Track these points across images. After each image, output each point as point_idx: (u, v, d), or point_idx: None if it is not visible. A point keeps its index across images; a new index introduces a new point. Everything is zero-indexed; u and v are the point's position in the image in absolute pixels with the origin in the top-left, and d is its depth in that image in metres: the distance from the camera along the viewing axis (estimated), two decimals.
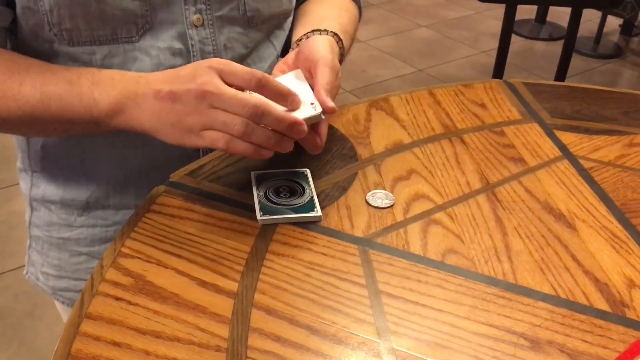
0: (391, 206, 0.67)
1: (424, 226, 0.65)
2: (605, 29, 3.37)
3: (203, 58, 0.73)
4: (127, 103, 0.63)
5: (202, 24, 0.72)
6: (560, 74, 1.47)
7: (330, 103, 0.64)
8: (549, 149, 0.78)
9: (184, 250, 0.60)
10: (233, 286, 0.57)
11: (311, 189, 0.67)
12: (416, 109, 0.86)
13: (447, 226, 0.65)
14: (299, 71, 0.70)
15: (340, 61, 0.75)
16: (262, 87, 0.60)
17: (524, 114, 0.86)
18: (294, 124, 0.60)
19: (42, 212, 0.82)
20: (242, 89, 0.61)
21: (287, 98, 0.62)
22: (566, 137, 0.81)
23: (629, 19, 3.48)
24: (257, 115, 0.58)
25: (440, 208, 0.67)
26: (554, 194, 0.70)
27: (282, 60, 0.74)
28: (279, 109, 0.61)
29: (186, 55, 0.73)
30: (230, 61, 0.61)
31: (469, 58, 3.18)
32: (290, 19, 0.85)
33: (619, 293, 0.57)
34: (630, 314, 0.55)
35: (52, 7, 0.66)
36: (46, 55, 0.70)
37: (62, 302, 0.87)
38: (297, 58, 0.71)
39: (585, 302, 0.56)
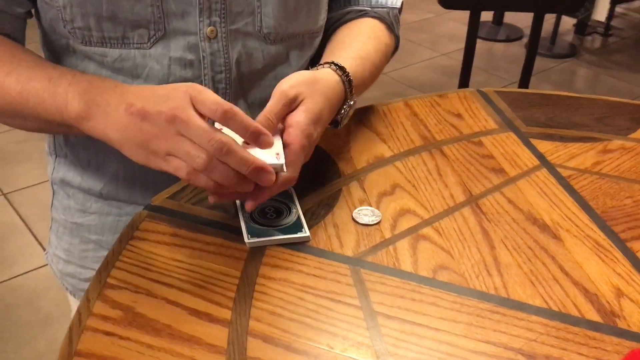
0: (378, 223, 0.67)
1: (413, 242, 0.65)
2: (559, 29, 3.45)
3: (214, 71, 0.73)
4: (96, 111, 0.62)
5: (216, 37, 0.71)
6: (525, 77, 1.50)
7: (264, 131, 0.59)
8: (527, 158, 0.79)
9: (173, 278, 0.59)
10: (226, 314, 0.55)
11: (297, 209, 0.67)
12: (394, 121, 0.86)
13: (435, 241, 0.65)
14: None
15: (349, 92, 0.72)
16: (228, 120, 0.57)
17: (500, 123, 0.87)
18: (260, 169, 0.57)
19: (62, 196, 0.84)
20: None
21: (254, 136, 0.58)
22: (543, 146, 0.82)
23: (582, 19, 3.58)
24: (222, 153, 0.55)
25: (427, 223, 0.67)
26: (537, 204, 0.71)
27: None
28: (245, 150, 0.57)
29: (197, 67, 0.72)
30: (206, 89, 0.58)
31: (430, 61, 3.21)
32: (319, 39, 0.83)
33: (608, 303, 0.58)
34: (622, 324, 0.56)
35: (65, 4, 0.67)
36: (65, 50, 0.72)
37: (66, 289, 0.89)
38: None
39: (577, 314, 0.57)
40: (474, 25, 1.43)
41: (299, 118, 0.64)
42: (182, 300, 0.57)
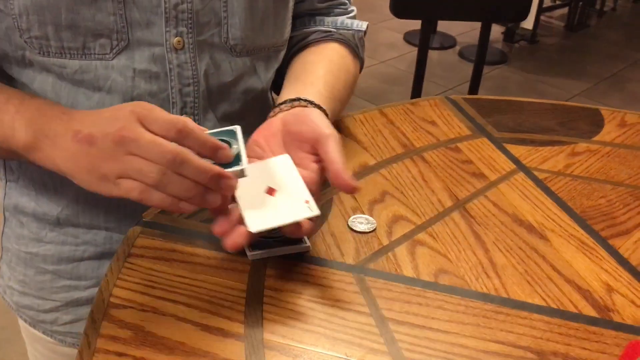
0: (374, 230, 0.68)
1: (410, 248, 0.66)
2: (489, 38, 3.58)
3: (181, 83, 0.71)
4: (44, 141, 0.59)
5: (183, 48, 0.69)
6: (475, 84, 1.55)
7: (356, 183, 0.59)
8: (504, 163, 0.82)
9: (178, 294, 0.58)
10: (239, 328, 0.55)
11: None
12: (372, 129, 0.87)
13: (431, 246, 0.66)
14: (287, 157, 0.62)
15: None
16: (184, 139, 0.53)
17: (473, 129, 0.89)
18: (219, 176, 0.53)
19: (14, 224, 0.80)
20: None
21: (213, 151, 0.55)
22: (516, 150, 0.85)
23: (511, 27, 3.73)
24: (176, 164, 0.52)
25: (421, 228, 0.69)
26: (520, 206, 0.74)
27: (263, 127, 0.67)
28: (201, 158, 0.54)
29: (163, 79, 0.70)
30: (154, 107, 0.55)
31: (370, 68, 3.27)
32: (283, 52, 0.82)
33: (601, 299, 0.61)
34: (617, 318, 0.59)
35: (22, 12, 0.62)
36: (21, 62, 0.67)
37: (25, 321, 0.84)
38: (285, 129, 0.65)
39: (574, 310, 0.60)
40: (425, 34, 1.47)
41: (328, 129, 0.62)
42: (191, 317, 0.55)
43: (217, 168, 0.53)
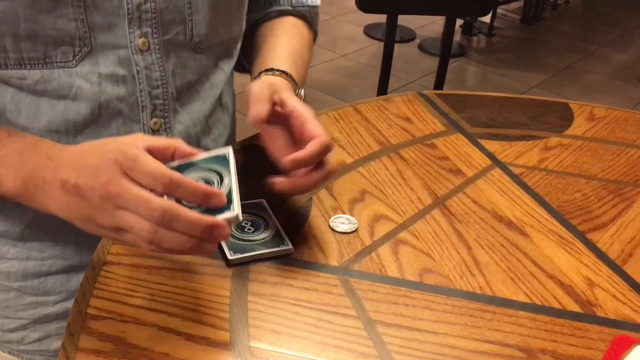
0: (355, 230, 0.67)
1: (393, 247, 0.65)
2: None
3: (150, 85, 0.68)
4: (34, 191, 0.57)
5: (148, 49, 0.67)
6: (440, 78, 1.55)
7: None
8: (480, 158, 0.82)
9: (159, 303, 0.56)
10: (224, 336, 0.53)
11: (274, 221, 0.65)
12: (347, 127, 0.86)
13: (414, 245, 0.66)
14: (261, 201, 0.65)
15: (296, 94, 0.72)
16: (173, 191, 0.51)
17: (447, 125, 0.89)
18: (212, 227, 0.50)
19: None
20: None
21: (205, 199, 0.52)
22: (491, 145, 0.85)
23: (469, 20, 3.77)
24: (165, 221, 0.49)
25: (402, 227, 0.68)
26: (498, 202, 0.74)
27: (255, 95, 0.64)
28: (190, 211, 0.50)
29: (131, 82, 0.67)
30: (138, 155, 0.51)
31: (331, 62, 3.26)
32: (239, 45, 0.81)
33: (583, 293, 0.62)
34: (600, 312, 0.60)
35: None
36: None
37: None
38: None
39: (559, 306, 0.60)
40: (391, 28, 1.47)
41: (306, 115, 0.62)
42: (174, 326, 0.54)
43: (209, 220, 0.50)
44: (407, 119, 0.90)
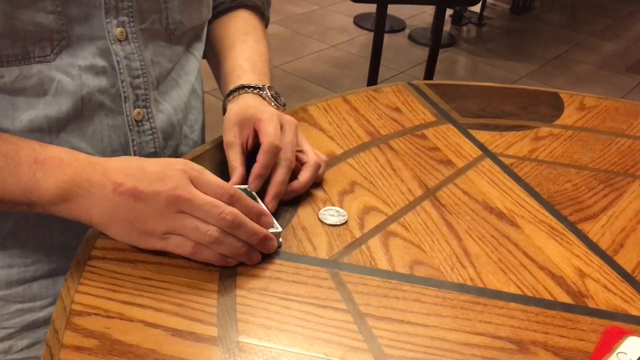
0: (345, 222, 0.66)
1: (383, 239, 0.64)
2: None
3: (131, 75, 0.67)
4: (77, 192, 0.56)
5: (126, 38, 0.66)
6: (430, 68, 1.55)
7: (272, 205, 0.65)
8: (470, 149, 0.82)
9: (145, 298, 0.55)
10: (212, 331, 0.52)
11: (261, 205, 0.64)
12: (337, 117, 0.85)
13: (404, 237, 0.65)
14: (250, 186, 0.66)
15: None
16: (234, 203, 0.58)
17: (437, 116, 0.89)
18: (266, 238, 0.59)
19: None
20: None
21: (258, 216, 0.59)
22: (481, 136, 0.85)
23: (458, 10, 3.76)
24: (234, 226, 0.56)
25: (392, 219, 0.67)
26: (489, 193, 0.73)
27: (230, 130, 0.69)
28: (251, 221, 0.58)
29: (111, 73, 0.66)
30: (202, 168, 0.58)
31: (321, 52, 3.24)
32: (206, 28, 0.82)
33: (574, 284, 0.61)
34: (591, 303, 0.59)
35: None
36: None
37: None
38: (243, 131, 0.69)
39: (550, 298, 0.59)
40: (381, 18, 1.45)
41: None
42: (160, 322, 0.53)
43: (266, 231, 0.59)
44: (397, 110, 0.89)
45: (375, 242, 0.64)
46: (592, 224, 0.70)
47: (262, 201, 0.64)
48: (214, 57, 0.85)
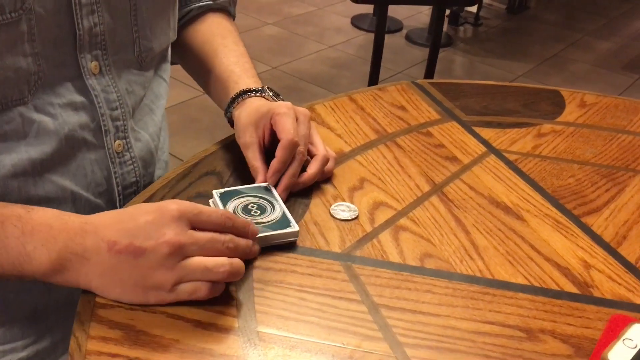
0: (356, 217, 0.68)
1: (394, 233, 0.66)
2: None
3: (109, 108, 0.67)
4: (72, 259, 0.54)
5: (100, 71, 0.66)
6: (430, 68, 1.56)
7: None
8: (475, 145, 0.84)
9: None
10: (232, 322, 0.54)
11: (280, 204, 0.66)
12: (344, 116, 0.87)
13: (414, 231, 0.67)
14: (267, 185, 0.68)
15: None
16: (231, 227, 0.57)
17: (442, 113, 0.90)
18: (253, 251, 0.59)
19: None
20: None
21: (247, 230, 0.58)
22: (485, 133, 0.87)
23: (455, 10, 3.78)
24: (234, 252, 0.56)
25: (402, 214, 0.69)
26: (495, 188, 0.75)
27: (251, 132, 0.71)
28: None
29: (90, 108, 0.66)
30: (196, 205, 0.55)
31: (319, 53, 3.26)
32: (170, 48, 0.82)
33: (580, 275, 0.63)
34: (597, 293, 0.61)
35: None
36: None
37: None
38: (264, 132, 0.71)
39: (556, 288, 0.61)
40: (381, 18, 1.47)
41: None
42: (182, 313, 0.54)
43: (251, 243, 0.59)
44: (402, 108, 0.91)
45: (385, 236, 0.66)
46: (595, 217, 0.72)
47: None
48: (197, 65, 0.84)
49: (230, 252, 0.55)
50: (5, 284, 0.67)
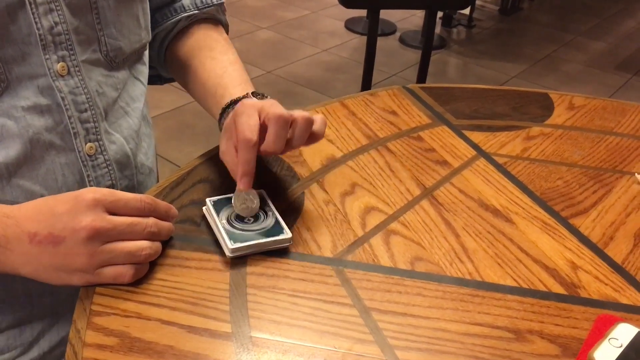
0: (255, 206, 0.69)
1: (385, 237, 0.67)
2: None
3: (78, 110, 0.67)
4: None
5: (68, 72, 0.65)
6: (423, 72, 1.58)
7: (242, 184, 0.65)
8: (465, 149, 0.85)
9: (161, 297, 0.57)
10: (226, 327, 0.55)
11: (273, 211, 0.67)
12: (335, 121, 0.88)
13: (405, 235, 0.68)
14: (261, 192, 0.69)
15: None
16: (153, 211, 0.60)
17: (432, 118, 0.92)
18: (171, 231, 0.62)
19: None
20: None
21: (169, 214, 0.62)
22: (475, 137, 0.88)
23: (448, 12, 3.80)
24: (156, 234, 0.59)
25: (393, 218, 0.70)
26: (484, 191, 0.76)
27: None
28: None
29: (57, 111, 0.65)
30: (113, 191, 0.57)
31: (313, 57, 3.27)
32: (147, 50, 0.82)
33: (567, 276, 0.64)
34: (583, 293, 0.62)
35: None
36: None
37: None
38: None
39: (544, 289, 0.63)
40: (373, 23, 1.49)
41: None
42: (176, 320, 0.55)
43: (170, 225, 0.62)
44: (393, 113, 0.92)
45: (377, 240, 0.67)
46: (582, 218, 0.73)
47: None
48: (188, 81, 0.85)
49: (153, 236, 0.58)
50: None
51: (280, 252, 0.64)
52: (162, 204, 0.61)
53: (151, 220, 0.59)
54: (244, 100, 0.67)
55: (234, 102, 0.74)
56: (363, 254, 0.65)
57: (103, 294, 0.57)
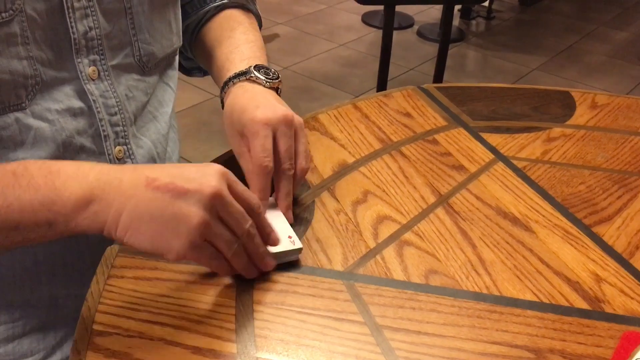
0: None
1: (398, 249, 0.65)
2: None
3: (108, 113, 0.67)
4: (105, 189, 0.51)
5: (99, 76, 0.66)
6: (440, 67, 1.54)
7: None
8: (482, 153, 0.82)
9: (164, 316, 0.55)
10: (231, 347, 0.53)
11: (282, 221, 0.65)
12: (348, 125, 0.86)
13: (419, 246, 0.65)
14: (272, 200, 0.66)
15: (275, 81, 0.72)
16: (254, 217, 0.56)
17: (448, 119, 0.89)
18: (266, 254, 0.59)
19: None
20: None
21: (268, 235, 0.59)
22: (493, 139, 0.85)
23: (467, 4, 3.74)
24: (251, 236, 0.56)
25: (406, 228, 0.68)
26: (502, 197, 0.73)
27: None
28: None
29: (88, 114, 0.65)
30: (237, 179, 0.56)
31: (330, 52, 3.24)
32: (177, 55, 0.81)
33: (591, 290, 0.61)
34: (608, 309, 0.59)
35: None
36: None
37: None
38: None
39: (566, 304, 0.59)
40: (389, 19, 1.45)
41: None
42: (180, 339, 0.53)
43: (267, 250, 0.59)
44: (408, 115, 0.89)
45: (389, 252, 0.64)
46: (607, 226, 0.70)
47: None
48: (208, 62, 0.83)
49: (248, 238, 0.56)
50: (12, 299, 0.68)
51: (288, 266, 0.61)
52: (264, 219, 0.58)
53: (251, 221, 0.56)
54: (256, 117, 0.64)
55: (233, 78, 0.71)
56: (375, 267, 0.62)
57: (106, 312, 0.55)
